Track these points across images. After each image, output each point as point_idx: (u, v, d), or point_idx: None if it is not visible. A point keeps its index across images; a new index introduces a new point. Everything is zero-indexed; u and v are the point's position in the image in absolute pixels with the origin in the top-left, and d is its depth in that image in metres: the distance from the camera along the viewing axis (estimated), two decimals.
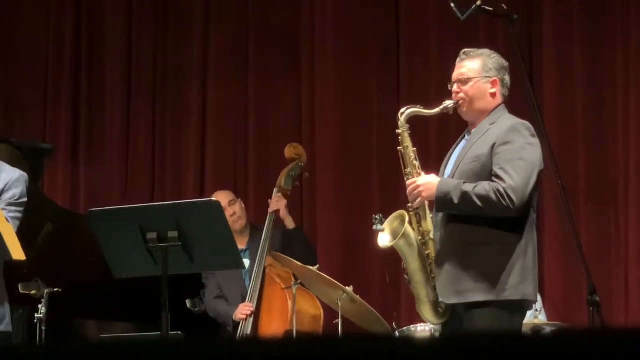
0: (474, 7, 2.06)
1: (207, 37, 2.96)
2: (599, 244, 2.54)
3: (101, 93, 3.05)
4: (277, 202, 2.35)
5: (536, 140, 1.70)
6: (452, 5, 2.05)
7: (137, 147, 3.01)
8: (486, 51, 1.78)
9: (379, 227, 1.68)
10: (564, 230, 2.25)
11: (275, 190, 2.40)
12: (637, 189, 2.53)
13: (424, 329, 2.09)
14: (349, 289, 2.09)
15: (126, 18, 3.04)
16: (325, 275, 2.12)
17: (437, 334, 1.99)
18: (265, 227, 2.35)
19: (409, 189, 1.68)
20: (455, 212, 1.65)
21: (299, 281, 2.17)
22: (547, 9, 2.70)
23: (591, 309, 1.99)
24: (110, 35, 2.99)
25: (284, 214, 2.38)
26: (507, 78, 1.77)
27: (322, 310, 2.31)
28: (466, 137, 1.78)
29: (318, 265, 2.16)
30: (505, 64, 1.77)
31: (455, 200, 1.63)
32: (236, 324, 2.34)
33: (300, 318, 2.17)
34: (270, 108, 2.89)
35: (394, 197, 2.52)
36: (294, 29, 2.88)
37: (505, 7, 2.08)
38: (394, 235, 1.67)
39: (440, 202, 1.66)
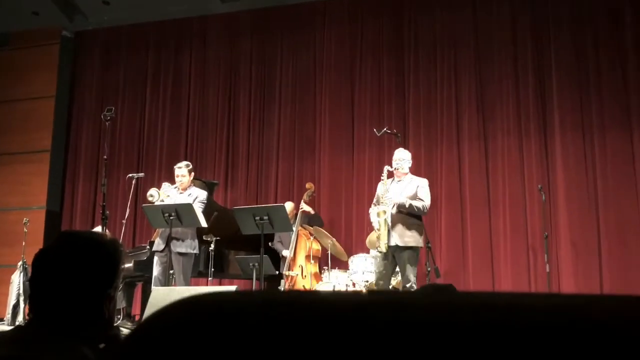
0: (383, 130, 6.46)
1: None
2: (430, 223, 7.12)
3: (237, 159, 8.03)
4: (303, 208, 7.13)
5: (428, 187, 6.00)
6: (374, 129, 6.48)
7: (251, 183, 7.97)
8: (407, 151, 6.08)
9: (372, 210, 5.98)
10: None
11: (302, 201, 7.21)
12: (445, 204, 7.07)
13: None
14: (334, 239, 6.75)
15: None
16: (324, 231, 6.80)
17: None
18: (298, 215, 7.14)
19: (387, 198, 5.90)
20: (404, 210, 5.84)
21: (313, 235, 6.86)
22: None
23: (427, 249, 6.35)
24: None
25: (308, 210, 7.15)
26: (411, 162, 6.06)
27: (320, 246, 7.10)
28: (396, 181, 6.07)
29: (319, 228, 6.91)
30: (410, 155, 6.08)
31: (407, 206, 5.84)
32: (283, 255, 7.18)
33: (312, 250, 6.87)
34: (302, 170, 7.77)
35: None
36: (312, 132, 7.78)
37: (395, 131, 6.57)
38: (378, 215, 5.88)
39: (400, 205, 5.80)
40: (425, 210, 5.77)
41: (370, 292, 0.47)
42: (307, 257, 7.14)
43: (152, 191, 6.17)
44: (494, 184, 7.74)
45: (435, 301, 0.45)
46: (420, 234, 5.77)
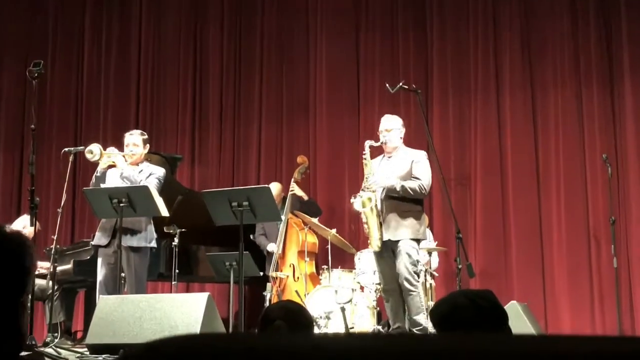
0: (398, 85, 6.39)
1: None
2: (461, 207, 7.17)
3: (206, 126, 7.99)
4: (294, 190, 7.20)
5: (428, 162, 6.03)
6: (387, 84, 6.42)
7: (226, 158, 8.03)
8: (397, 117, 6.11)
9: (354, 200, 6.04)
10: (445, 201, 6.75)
11: (292, 180, 7.22)
12: (480, 180, 7.15)
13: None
14: (334, 230, 6.72)
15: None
16: (321, 224, 6.79)
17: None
18: (287, 200, 7.18)
19: (371, 181, 5.98)
20: (396, 194, 5.93)
21: (307, 225, 6.87)
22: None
23: (457, 240, 6.34)
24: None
25: (300, 194, 7.22)
26: (404, 130, 6.10)
27: (317, 240, 7.14)
28: (386, 157, 6.09)
29: (318, 218, 6.88)
30: (403, 122, 6.11)
31: (398, 189, 5.92)
32: (268, 252, 7.24)
33: (306, 244, 6.91)
34: (293, 139, 7.86)
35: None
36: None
37: (414, 86, 6.51)
38: (363, 205, 5.98)
39: (390, 189, 5.92)
40: (424, 191, 5.85)
41: (377, 337, 0.59)
42: (300, 253, 7.09)
43: (93, 147, 5.97)
44: (545, 153, 7.69)
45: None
46: (420, 223, 5.85)
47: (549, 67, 7.77)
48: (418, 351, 0.53)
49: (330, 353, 0.52)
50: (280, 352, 0.54)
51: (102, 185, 6.05)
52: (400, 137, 6.02)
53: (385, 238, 5.75)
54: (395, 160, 5.94)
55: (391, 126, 5.98)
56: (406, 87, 6.51)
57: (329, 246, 6.92)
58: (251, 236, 7.38)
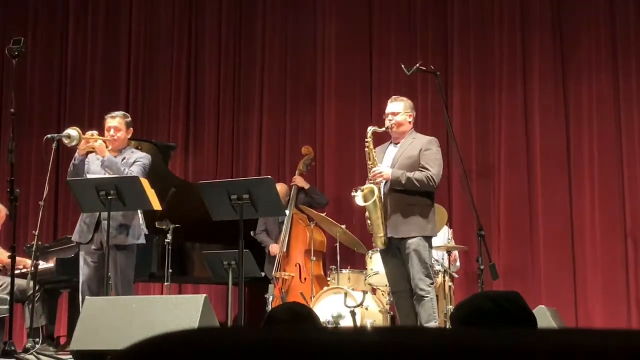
0: (415, 67, 6.41)
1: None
2: (483, 201, 7.21)
3: (202, 112, 8.03)
4: (295, 180, 7.30)
5: (440, 150, 6.06)
6: (402, 65, 6.43)
7: (224, 146, 8.09)
8: (405, 98, 6.15)
9: (355, 194, 6.10)
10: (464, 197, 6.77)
11: (297, 172, 7.39)
12: (505, 172, 7.17)
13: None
14: (343, 226, 6.73)
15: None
16: (330, 219, 6.79)
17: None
18: (291, 194, 7.28)
19: (373, 173, 6.04)
20: (401, 187, 5.98)
21: (314, 222, 6.90)
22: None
23: (479, 238, 6.35)
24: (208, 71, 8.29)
25: (302, 184, 7.33)
26: (414, 113, 6.12)
27: (325, 237, 7.23)
28: (393, 144, 6.10)
29: (326, 213, 6.92)
30: (412, 104, 6.13)
31: (403, 181, 5.96)
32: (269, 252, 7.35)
33: (313, 242, 6.95)
34: (298, 127, 7.93)
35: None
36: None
37: (433, 67, 6.51)
38: (365, 199, 6.05)
39: (394, 182, 6.00)
40: (432, 183, 5.80)
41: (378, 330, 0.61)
42: (307, 251, 7.11)
43: (71, 130, 5.86)
44: (577, 144, 7.69)
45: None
46: (428, 219, 5.83)
47: (583, 53, 7.75)
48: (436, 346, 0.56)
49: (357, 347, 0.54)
50: (306, 343, 0.56)
51: (87, 175, 6.02)
52: (409, 121, 5.98)
53: (389, 235, 5.74)
54: (403, 147, 5.91)
55: (397, 109, 5.94)
56: (423, 68, 6.50)
57: (338, 244, 6.94)
58: (252, 233, 7.40)
